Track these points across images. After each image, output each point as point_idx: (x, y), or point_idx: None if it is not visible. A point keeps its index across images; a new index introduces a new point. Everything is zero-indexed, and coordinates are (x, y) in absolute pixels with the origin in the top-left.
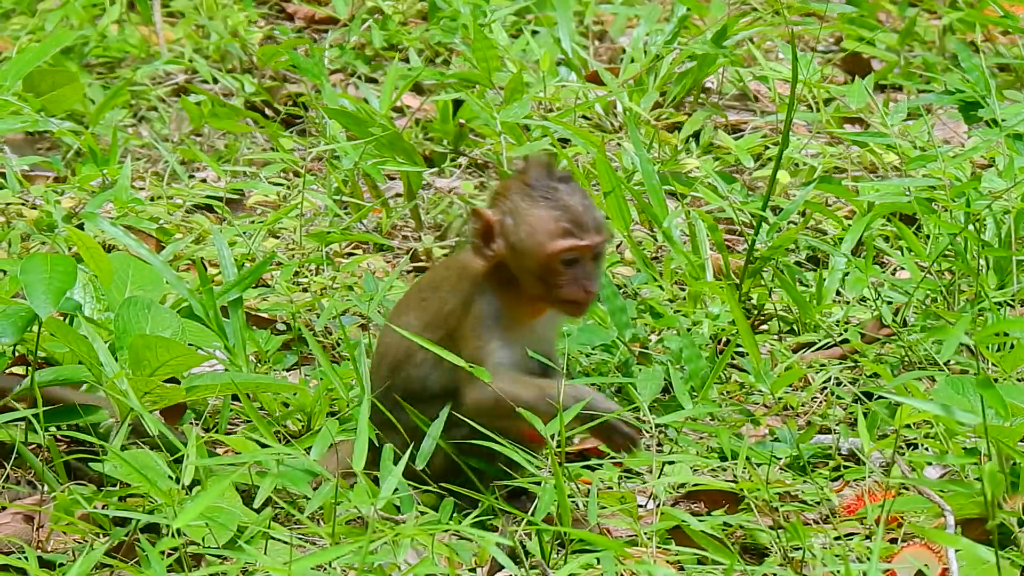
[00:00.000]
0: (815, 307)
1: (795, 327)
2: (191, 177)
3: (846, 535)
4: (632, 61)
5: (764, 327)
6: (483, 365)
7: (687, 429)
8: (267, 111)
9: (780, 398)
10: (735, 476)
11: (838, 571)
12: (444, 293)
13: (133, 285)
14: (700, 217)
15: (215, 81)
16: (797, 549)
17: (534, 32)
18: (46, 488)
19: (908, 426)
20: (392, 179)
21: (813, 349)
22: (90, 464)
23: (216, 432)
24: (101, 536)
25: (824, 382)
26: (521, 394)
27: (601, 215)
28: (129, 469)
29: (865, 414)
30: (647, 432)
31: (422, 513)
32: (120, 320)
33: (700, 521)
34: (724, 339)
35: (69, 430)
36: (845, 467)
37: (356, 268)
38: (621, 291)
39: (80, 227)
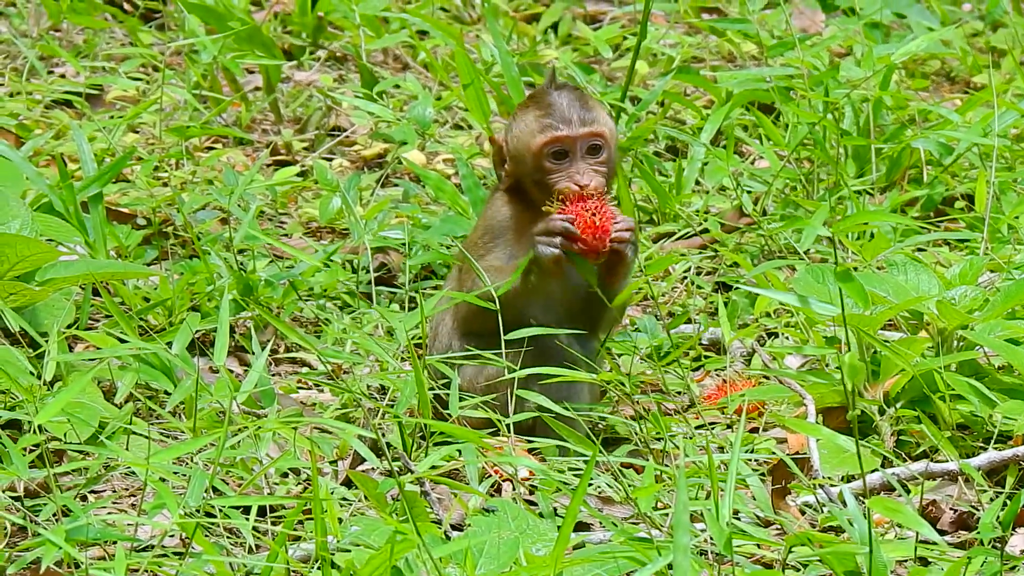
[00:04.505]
0: (675, 197)
1: (655, 217)
2: (50, 73)
3: (708, 424)
4: None
5: None
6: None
7: None
8: (126, 5)
9: (640, 288)
10: (596, 368)
11: (700, 461)
12: (475, 230)
13: None
14: None
15: None
16: (659, 439)
17: None
18: None
19: (769, 315)
20: (251, 73)
21: (673, 239)
22: None
23: (76, 328)
24: None
25: (684, 272)
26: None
27: (595, 111)
28: None
29: (725, 304)
30: None
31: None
32: None
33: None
34: None
35: None
36: (706, 357)
37: (216, 162)
38: (482, 182)
39: None
